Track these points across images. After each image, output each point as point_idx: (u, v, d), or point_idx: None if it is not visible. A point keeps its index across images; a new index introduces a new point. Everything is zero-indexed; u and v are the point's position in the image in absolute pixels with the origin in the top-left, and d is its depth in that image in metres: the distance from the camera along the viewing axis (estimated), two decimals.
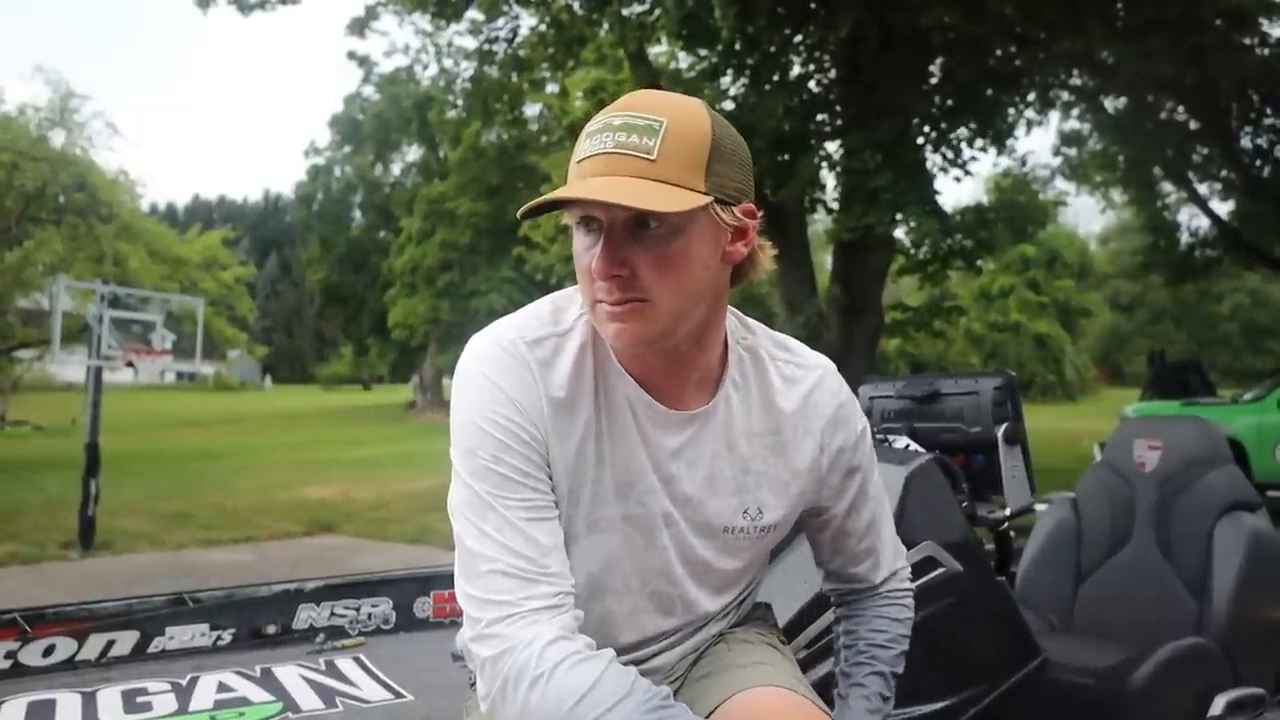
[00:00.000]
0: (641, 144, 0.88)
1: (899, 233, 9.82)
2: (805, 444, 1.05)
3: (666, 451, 1.00)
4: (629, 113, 0.90)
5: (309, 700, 1.67)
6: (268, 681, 1.79)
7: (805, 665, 1.40)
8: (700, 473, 1.01)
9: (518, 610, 0.88)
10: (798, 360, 1.07)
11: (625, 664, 0.98)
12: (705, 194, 0.88)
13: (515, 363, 0.95)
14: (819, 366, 1.08)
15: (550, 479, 0.96)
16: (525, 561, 0.90)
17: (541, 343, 0.97)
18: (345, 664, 2.71)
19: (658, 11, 9.75)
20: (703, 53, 10.21)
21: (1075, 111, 14.96)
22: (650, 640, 1.07)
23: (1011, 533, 2.10)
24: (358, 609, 3.90)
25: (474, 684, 1.18)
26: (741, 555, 1.07)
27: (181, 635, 2.98)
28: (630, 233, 0.88)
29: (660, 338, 0.92)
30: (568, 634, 0.88)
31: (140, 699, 1.60)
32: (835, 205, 10.02)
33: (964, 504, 1.88)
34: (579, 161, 0.90)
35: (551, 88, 14.75)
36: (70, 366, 14.23)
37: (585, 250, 0.91)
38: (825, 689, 1.18)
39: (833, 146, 9.98)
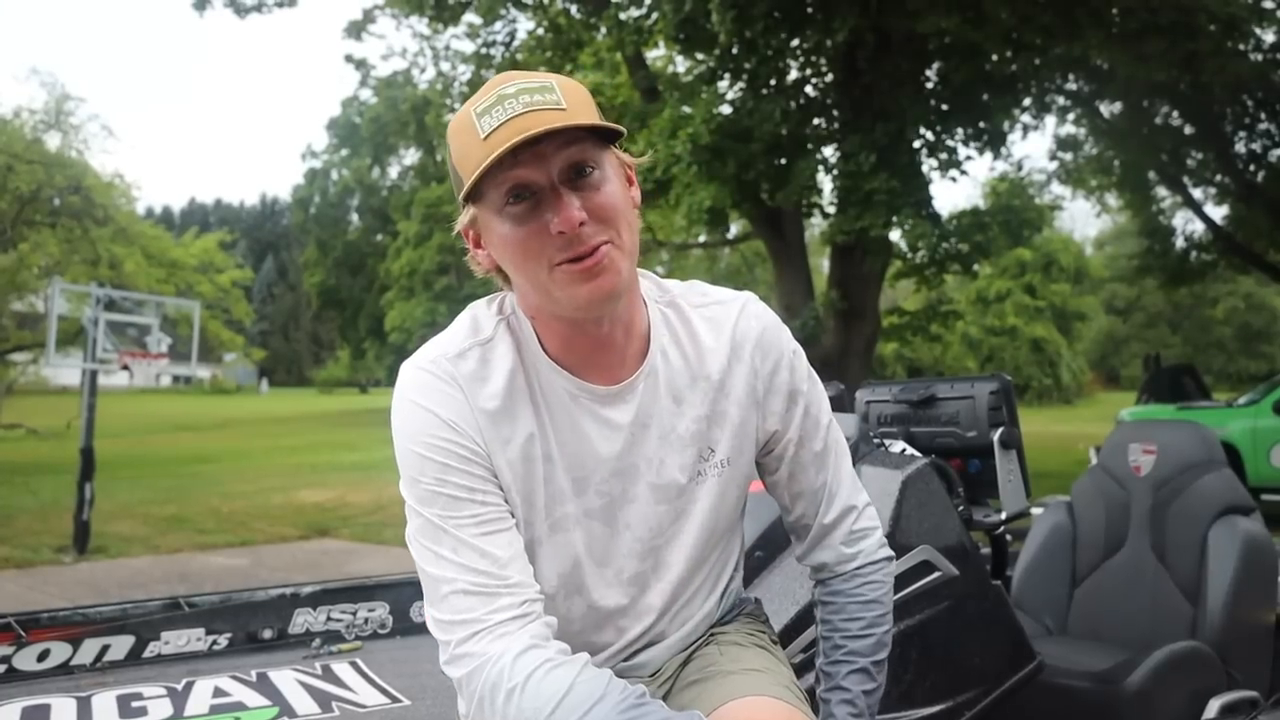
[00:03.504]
0: (548, 99, 0.89)
1: (895, 236, 9.84)
2: (738, 371, 1.06)
3: (622, 426, 1.00)
4: (514, 83, 0.91)
5: (305, 705, 1.66)
6: (263, 686, 1.79)
7: (801, 669, 1.40)
8: (654, 431, 1.02)
9: (484, 625, 0.88)
10: (718, 300, 1.09)
11: (616, 655, 1.00)
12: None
13: (441, 383, 0.95)
14: (738, 298, 1.10)
15: (500, 489, 0.95)
16: (484, 577, 0.90)
17: (465, 355, 0.98)
18: (341, 668, 2.70)
19: (655, 15, 9.76)
20: (700, 56, 10.23)
21: (1071, 116, 14.99)
22: (638, 616, 1.05)
23: (1007, 536, 2.10)
24: (354, 613, 3.88)
25: None
26: (708, 500, 1.06)
27: (177, 640, 2.97)
28: (570, 185, 0.90)
29: (626, 285, 0.94)
30: (539, 642, 0.88)
31: (135, 704, 1.60)
32: (832, 209, 10.05)
33: (960, 508, 1.88)
34: (488, 136, 0.88)
35: None
36: (65, 370, 14.19)
37: (522, 224, 0.91)
38: None
39: (829, 150, 10.00)
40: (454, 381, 0.96)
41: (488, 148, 0.88)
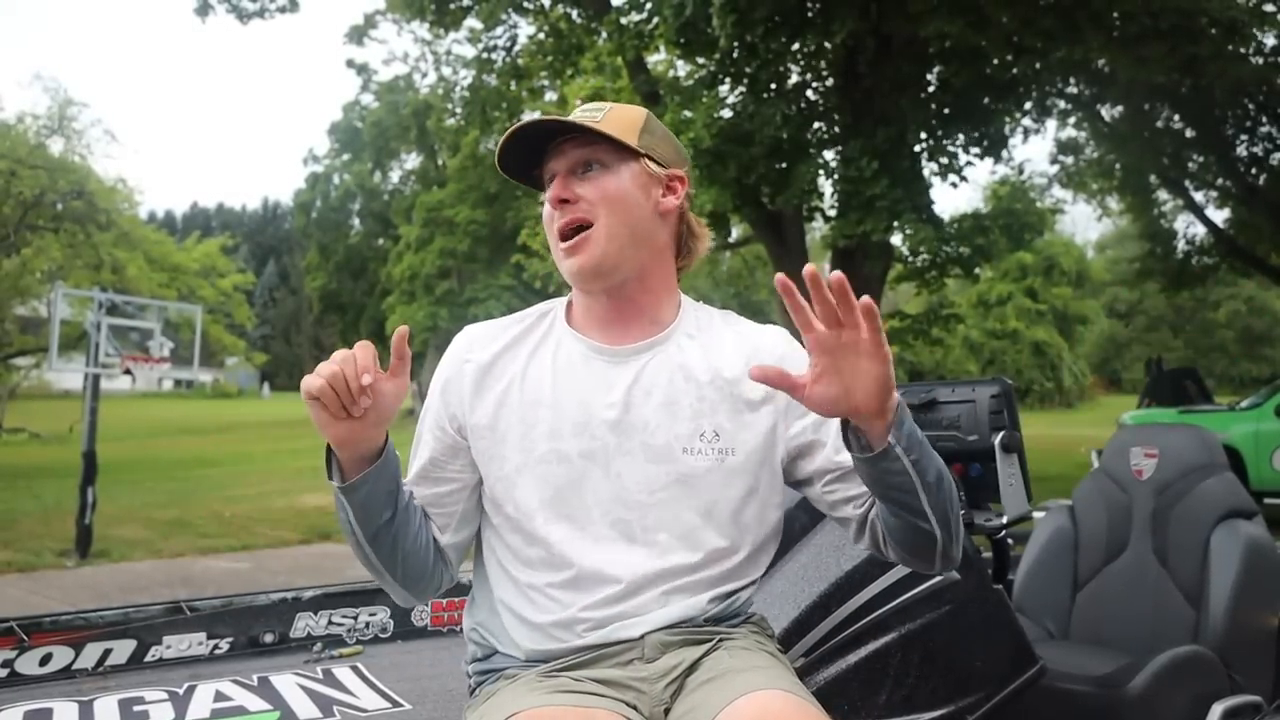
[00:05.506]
0: (588, 115, 1.14)
1: (896, 240, 9.84)
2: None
3: (623, 384, 1.15)
4: (584, 103, 1.20)
5: (306, 709, 1.67)
6: (265, 690, 1.79)
7: (804, 673, 1.40)
8: (656, 399, 1.14)
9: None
10: (748, 322, 1.27)
11: (597, 604, 1.10)
12: (638, 148, 1.14)
13: (459, 350, 1.20)
14: (768, 325, 1.27)
15: (458, 447, 1.18)
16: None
17: (496, 326, 1.21)
18: (343, 672, 2.70)
19: (656, 20, 9.78)
20: (701, 61, 10.24)
21: (1072, 120, 14.99)
22: (617, 564, 1.11)
23: (1009, 540, 2.10)
24: (355, 617, 3.88)
25: (473, 691, 1.19)
26: (710, 482, 1.13)
27: (179, 644, 2.97)
28: (577, 175, 1.14)
29: (605, 267, 1.13)
30: None
31: (137, 708, 1.60)
32: (833, 212, 10.04)
33: (961, 511, 1.88)
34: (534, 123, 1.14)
35: (550, 96, 14.78)
36: (68, 374, 14.20)
37: (547, 204, 1.15)
38: (825, 696, 1.17)
39: (830, 154, 10.00)
40: (470, 345, 1.20)
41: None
